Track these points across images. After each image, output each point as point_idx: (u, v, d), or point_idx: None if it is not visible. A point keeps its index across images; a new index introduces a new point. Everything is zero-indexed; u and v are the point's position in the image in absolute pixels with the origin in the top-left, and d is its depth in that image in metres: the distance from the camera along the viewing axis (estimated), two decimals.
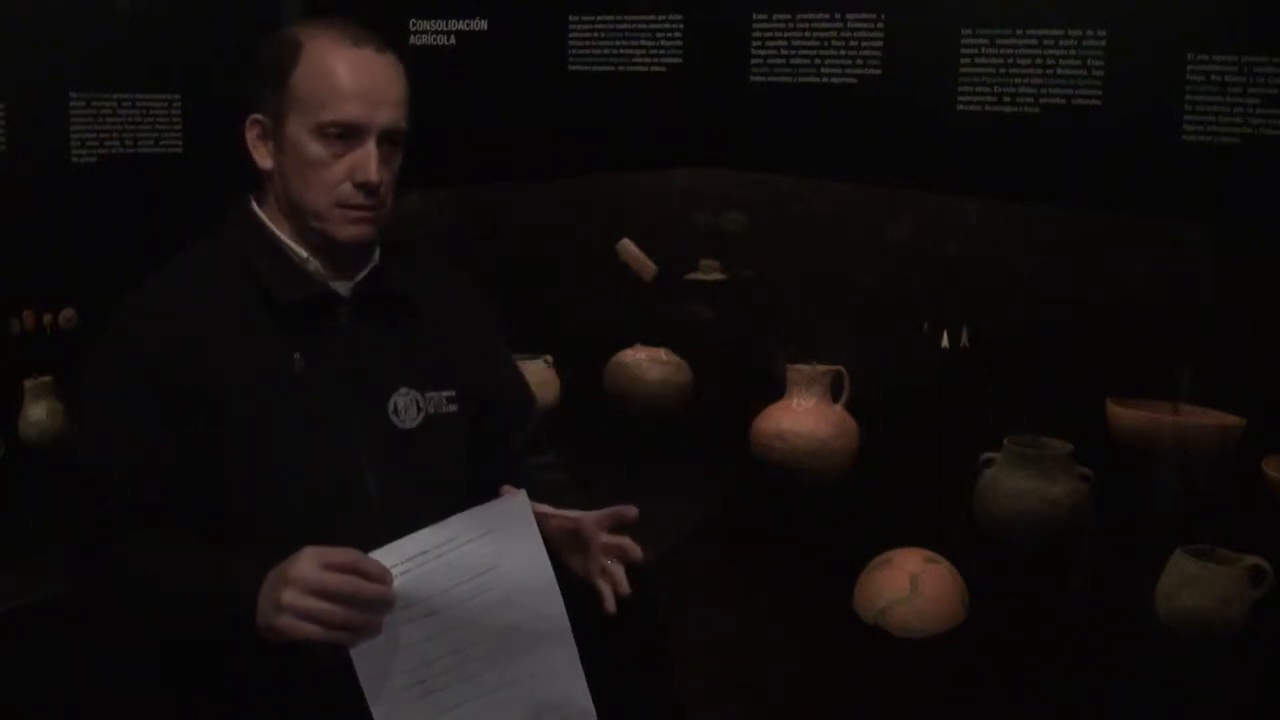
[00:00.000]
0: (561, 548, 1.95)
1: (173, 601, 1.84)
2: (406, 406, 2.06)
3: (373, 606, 1.72)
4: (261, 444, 1.94)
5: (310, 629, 1.68)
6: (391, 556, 1.73)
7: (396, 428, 2.04)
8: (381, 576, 1.72)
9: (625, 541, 1.92)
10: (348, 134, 1.96)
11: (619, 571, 1.91)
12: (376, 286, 2.09)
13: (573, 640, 1.81)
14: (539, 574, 1.79)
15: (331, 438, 1.98)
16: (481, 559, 1.77)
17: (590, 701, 1.83)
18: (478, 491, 2.11)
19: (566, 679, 1.81)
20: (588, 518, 1.93)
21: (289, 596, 1.68)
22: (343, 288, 2.06)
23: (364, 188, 1.96)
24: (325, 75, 1.96)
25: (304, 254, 2.04)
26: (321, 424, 1.98)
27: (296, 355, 1.98)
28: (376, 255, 2.11)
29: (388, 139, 1.99)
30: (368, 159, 1.96)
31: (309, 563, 1.69)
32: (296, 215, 2.02)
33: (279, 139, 2.00)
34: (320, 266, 2.04)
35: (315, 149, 1.96)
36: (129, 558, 1.91)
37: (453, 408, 2.11)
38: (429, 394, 2.09)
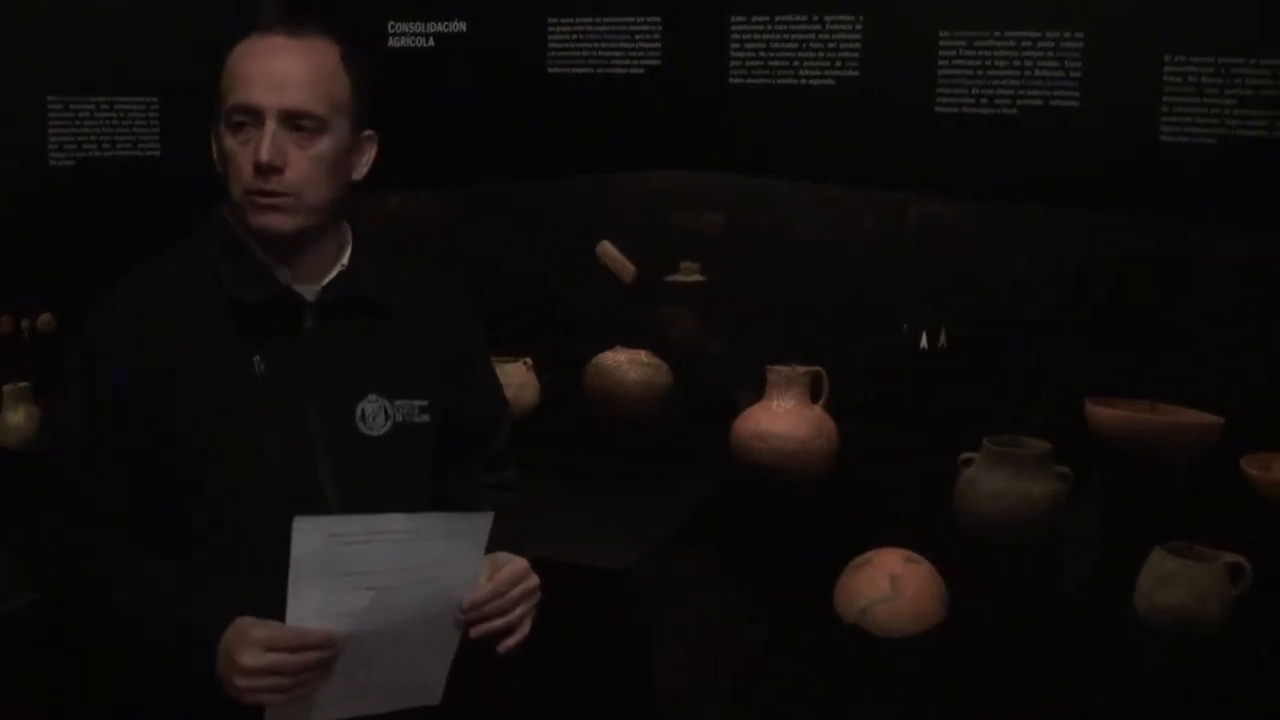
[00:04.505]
0: None
1: (134, 626, 1.87)
2: (374, 414, 2.03)
3: (320, 668, 1.80)
4: (219, 448, 1.92)
5: (270, 699, 1.78)
6: (361, 525, 1.79)
7: (363, 435, 2.02)
8: (321, 644, 1.78)
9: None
10: (251, 119, 1.92)
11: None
12: (344, 290, 2.05)
13: (454, 651, 1.94)
14: (466, 587, 1.89)
15: (291, 443, 1.96)
16: (431, 557, 1.84)
17: (441, 692, 1.96)
18: (434, 502, 2.13)
19: (434, 672, 1.94)
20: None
21: (242, 682, 1.76)
22: (308, 291, 2.02)
23: (258, 169, 1.91)
24: (233, 66, 1.94)
25: (267, 256, 2.01)
26: (280, 429, 1.95)
27: (257, 359, 1.95)
28: (346, 258, 2.07)
29: (295, 123, 1.93)
30: (261, 139, 1.91)
31: (252, 652, 1.76)
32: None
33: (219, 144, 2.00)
34: (284, 269, 2.01)
35: (228, 140, 1.94)
36: (86, 567, 1.91)
37: (424, 418, 2.08)
38: (398, 402, 2.06)
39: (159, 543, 1.93)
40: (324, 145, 1.96)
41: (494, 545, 1.93)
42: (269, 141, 1.90)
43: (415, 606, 1.85)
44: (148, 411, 1.92)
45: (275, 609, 1.81)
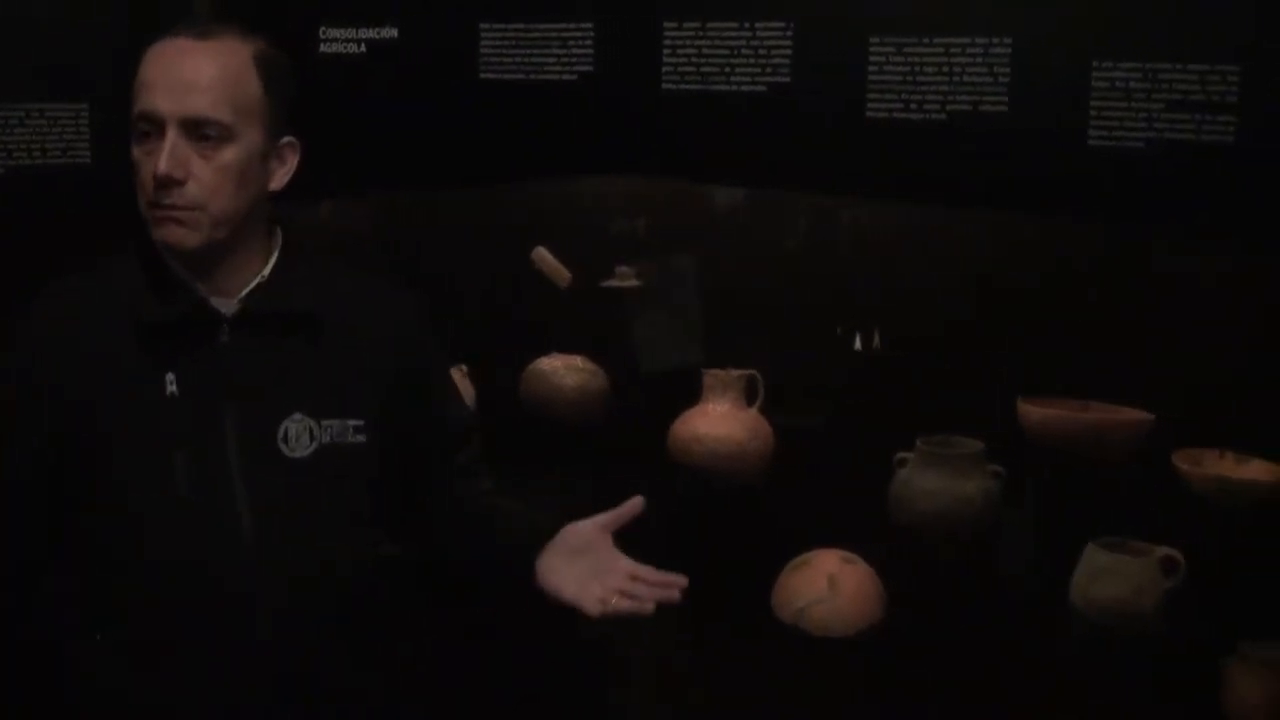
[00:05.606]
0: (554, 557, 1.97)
1: None
2: (298, 434, 1.92)
3: None
4: (129, 470, 1.86)
5: None
6: None
7: (285, 456, 1.92)
8: None
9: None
10: (153, 128, 1.83)
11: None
12: (266, 303, 1.95)
13: None
14: None
15: (205, 465, 1.88)
16: None
17: None
18: (391, 521, 2.07)
19: None
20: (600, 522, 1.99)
21: None
22: (226, 305, 1.94)
23: (156, 181, 1.82)
24: (140, 72, 1.87)
25: (183, 270, 1.93)
26: (193, 449, 1.88)
27: (169, 376, 1.87)
28: (268, 269, 1.98)
29: (198, 131, 1.84)
30: (160, 150, 1.82)
31: None
32: None
33: None
34: (201, 283, 1.93)
35: (135, 150, 1.86)
36: None
37: (359, 438, 1.97)
38: (326, 422, 1.95)
39: (78, 573, 1.89)
40: (230, 154, 1.87)
41: None
42: (168, 153, 1.81)
43: None
44: (58, 433, 1.86)
45: (191, 634, 1.81)
